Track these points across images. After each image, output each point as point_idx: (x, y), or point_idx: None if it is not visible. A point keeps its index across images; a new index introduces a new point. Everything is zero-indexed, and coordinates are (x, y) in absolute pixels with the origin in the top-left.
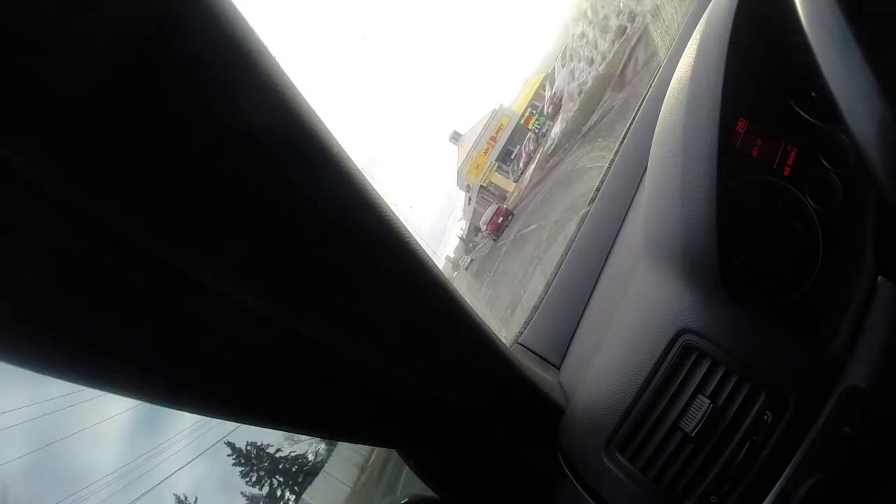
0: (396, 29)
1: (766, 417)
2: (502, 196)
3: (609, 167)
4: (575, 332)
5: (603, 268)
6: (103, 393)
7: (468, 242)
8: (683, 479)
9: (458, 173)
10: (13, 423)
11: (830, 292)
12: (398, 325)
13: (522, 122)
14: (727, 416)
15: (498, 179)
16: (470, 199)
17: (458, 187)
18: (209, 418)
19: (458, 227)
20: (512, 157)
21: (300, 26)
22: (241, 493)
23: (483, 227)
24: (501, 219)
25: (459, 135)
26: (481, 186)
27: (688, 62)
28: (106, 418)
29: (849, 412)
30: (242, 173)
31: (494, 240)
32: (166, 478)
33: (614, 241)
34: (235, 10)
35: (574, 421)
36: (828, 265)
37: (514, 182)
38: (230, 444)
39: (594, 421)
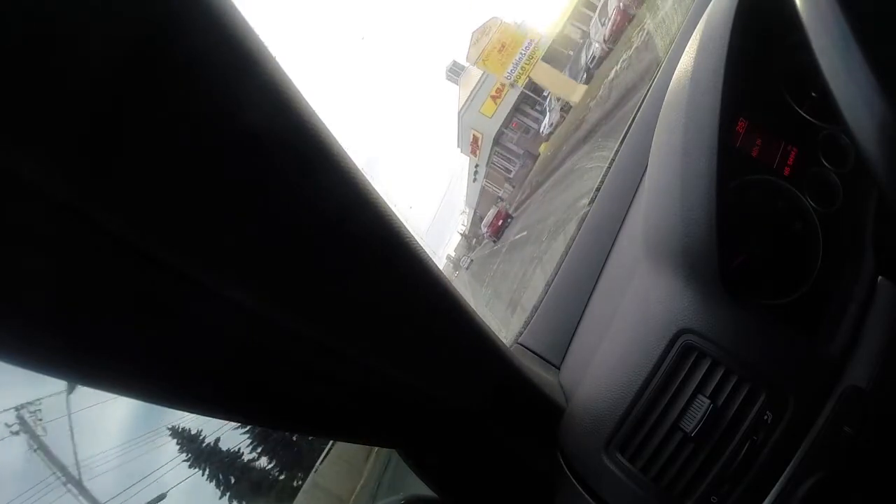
0: (396, 23)
1: (766, 417)
2: (539, 134)
3: (609, 167)
4: (575, 332)
5: (603, 268)
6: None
7: (471, 238)
8: (683, 479)
9: (462, 114)
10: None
11: (830, 292)
12: (398, 325)
13: None
14: (727, 416)
15: (546, 77)
16: (476, 171)
17: (458, 149)
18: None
19: (460, 223)
20: (541, 108)
21: (300, 26)
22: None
23: (484, 229)
24: (501, 221)
25: (462, 67)
26: (523, 93)
27: (688, 62)
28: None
29: (849, 412)
30: (242, 173)
31: (494, 241)
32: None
33: (614, 241)
34: (235, 10)
35: (574, 421)
36: (828, 265)
37: (585, 84)
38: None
39: (594, 421)
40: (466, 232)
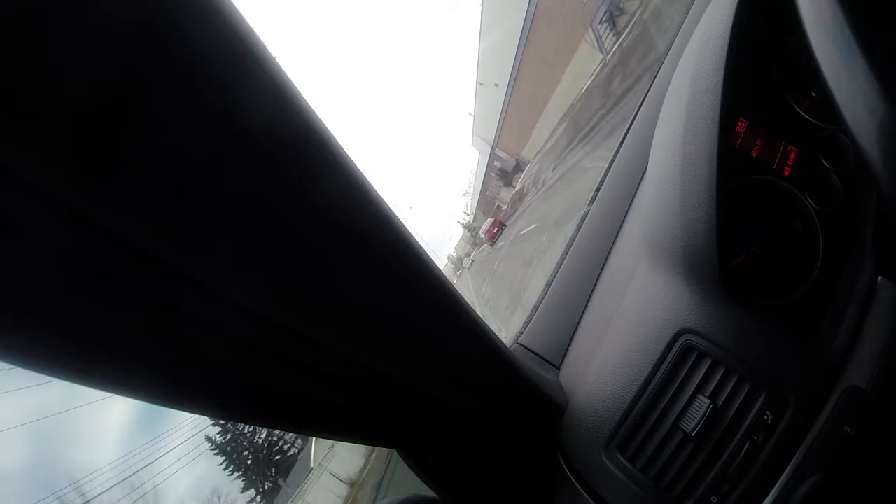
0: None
1: (766, 417)
2: None
3: (609, 167)
4: (575, 332)
5: (603, 268)
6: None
7: (475, 235)
8: (683, 479)
9: None
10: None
11: (830, 292)
12: (398, 326)
13: None
14: (727, 416)
15: None
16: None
17: None
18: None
19: (461, 210)
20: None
21: (301, 25)
22: None
23: (482, 236)
24: (496, 229)
25: None
26: None
27: (688, 62)
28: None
29: (849, 412)
30: (242, 174)
31: (491, 245)
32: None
33: (614, 242)
34: (235, 9)
35: (574, 421)
36: (828, 265)
37: None
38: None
39: (594, 421)
40: (471, 222)
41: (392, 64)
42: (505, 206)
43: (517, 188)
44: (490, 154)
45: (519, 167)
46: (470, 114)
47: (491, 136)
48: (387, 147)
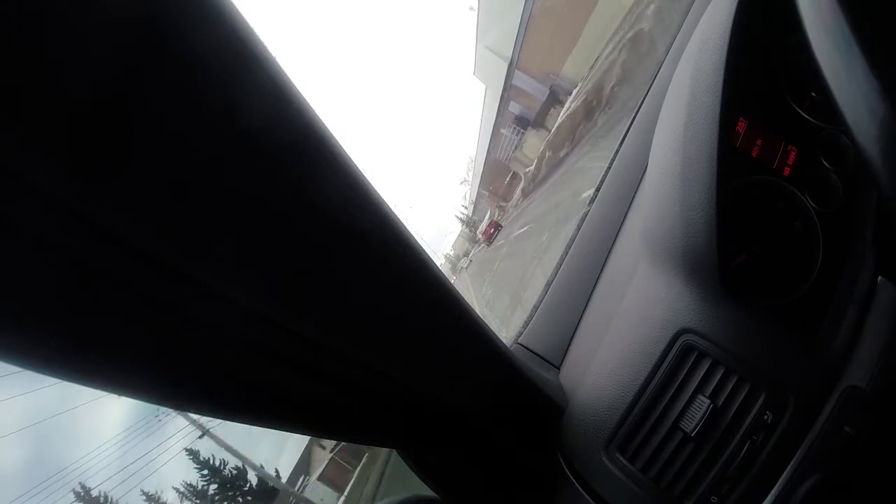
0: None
1: (766, 417)
2: None
3: (609, 167)
4: (575, 332)
5: (603, 268)
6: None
7: (474, 231)
8: (683, 479)
9: None
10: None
11: (830, 292)
12: (398, 326)
13: None
14: (727, 416)
15: None
16: None
17: None
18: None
19: (459, 203)
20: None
21: (301, 25)
22: None
23: (479, 235)
24: (493, 230)
25: None
26: None
27: (688, 62)
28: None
29: (849, 412)
30: (242, 174)
31: (488, 245)
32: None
33: (614, 242)
34: (235, 9)
35: (574, 421)
36: (828, 265)
37: None
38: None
39: (594, 421)
40: (470, 215)
41: (388, 40)
42: (528, 170)
43: (568, 110)
44: (505, 84)
45: (555, 97)
46: (472, 8)
47: (508, 45)
48: (384, 139)
